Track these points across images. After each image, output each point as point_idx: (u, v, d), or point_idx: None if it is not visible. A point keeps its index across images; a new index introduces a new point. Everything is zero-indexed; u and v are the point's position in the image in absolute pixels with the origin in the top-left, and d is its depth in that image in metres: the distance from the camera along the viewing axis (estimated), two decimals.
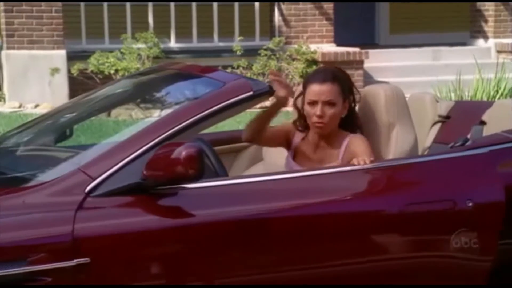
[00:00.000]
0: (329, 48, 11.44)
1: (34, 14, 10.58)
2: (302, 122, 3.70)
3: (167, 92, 4.05)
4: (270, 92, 3.40)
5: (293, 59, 11.12)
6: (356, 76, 10.73)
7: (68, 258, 2.92)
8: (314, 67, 11.01)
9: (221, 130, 4.93)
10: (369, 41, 13.34)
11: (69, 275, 2.92)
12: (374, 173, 3.42)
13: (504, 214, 3.35)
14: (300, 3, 11.59)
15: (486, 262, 3.37)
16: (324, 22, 11.69)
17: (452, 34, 13.13)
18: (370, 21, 13.81)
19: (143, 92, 4.30)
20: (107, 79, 9.53)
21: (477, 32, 12.75)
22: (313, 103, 3.57)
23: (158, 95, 4.20)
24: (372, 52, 11.37)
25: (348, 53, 11.14)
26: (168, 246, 3.07)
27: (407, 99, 3.84)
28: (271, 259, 3.18)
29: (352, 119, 3.66)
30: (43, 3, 10.58)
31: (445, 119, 4.42)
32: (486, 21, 12.65)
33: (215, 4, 11.43)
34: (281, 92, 3.43)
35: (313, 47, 11.24)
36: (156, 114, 3.67)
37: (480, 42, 12.71)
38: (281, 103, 3.49)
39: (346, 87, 3.62)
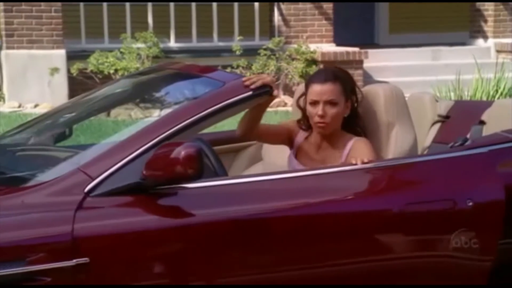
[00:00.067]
0: (329, 48, 11.45)
1: (34, 13, 10.58)
2: (305, 121, 3.70)
3: (167, 92, 4.05)
4: (269, 92, 3.40)
5: (293, 59, 11.12)
6: (355, 76, 10.72)
7: (68, 258, 2.91)
8: (314, 67, 11.02)
9: (221, 130, 4.93)
10: (369, 41, 13.35)
11: (69, 275, 2.92)
12: (374, 173, 3.42)
13: (504, 214, 3.35)
14: (300, 3, 11.59)
15: (486, 262, 3.37)
16: (324, 22, 11.69)
17: (452, 34, 13.14)
18: (370, 21, 13.81)
19: (142, 92, 4.30)
20: (106, 78, 9.53)
21: (477, 32, 12.75)
22: (314, 103, 3.57)
23: (157, 95, 4.19)
24: (371, 52, 11.37)
25: (348, 53, 11.14)
26: (167, 246, 3.07)
27: (406, 99, 3.84)
28: (271, 259, 3.18)
29: (355, 120, 3.65)
30: (42, 3, 10.58)
31: (444, 119, 4.42)
32: (485, 21, 12.65)
33: (214, 4, 11.43)
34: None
35: (312, 47, 11.24)
36: (156, 114, 3.67)
37: (480, 42, 12.71)
38: (266, 101, 3.46)
39: (348, 87, 3.61)
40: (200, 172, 2.99)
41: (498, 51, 12.23)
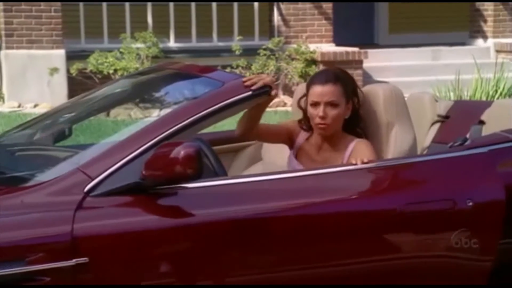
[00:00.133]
0: (328, 47, 11.45)
1: (33, 13, 10.58)
2: (306, 122, 3.69)
3: (166, 92, 4.05)
4: (268, 91, 3.40)
5: (292, 59, 11.12)
6: (355, 76, 10.69)
7: (67, 258, 2.91)
8: (313, 67, 11.02)
9: (220, 130, 4.92)
10: (368, 41, 13.35)
11: (68, 275, 2.92)
12: (374, 173, 3.42)
13: (504, 214, 3.35)
14: (299, 2, 11.59)
15: (486, 262, 3.37)
16: (323, 21, 11.69)
17: (451, 34, 13.14)
18: (369, 21, 13.81)
19: (142, 92, 4.30)
20: (106, 78, 9.53)
21: (476, 32, 12.75)
22: (315, 104, 3.56)
23: (157, 94, 4.19)
24: (371, 52, 11.37)
25: (347, 52, 11.14)
26: (167, 246, 3.07)
27: (406, 99, 3.84)
28: (270, 259, 3.18)
29: (356, 121, 3.65)
30: (42, 3, 10.58)
31: (444, 119, 4.42)
32: (485, 21, 12.65)
33: (214, 4, 11.43)
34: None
35: (312, 46, 11.24)
36: (155, 114, 3.66)
37: (479, 42, 12.71)
38: (265, 101, 3.46)
39: (349, 89, 3.60)
40: (199, 172, 2.99)
41: (497, 51, 12.24)
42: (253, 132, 3.65)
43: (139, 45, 10.60)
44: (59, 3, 10.66)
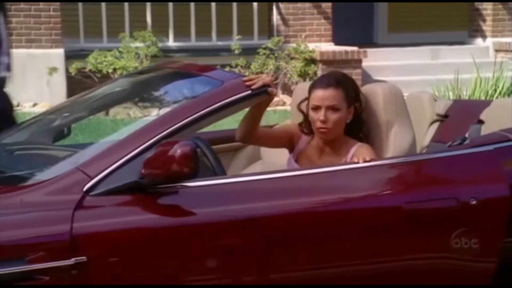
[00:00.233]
0: (328, 47, 11.44)
1: (32, 12, 10.57)
2: (307, 125, 3.69)
3: (165, 91, 4.05)
4: (268, 91, 3.39)
5: (292, 58, 11.12)
6: (354, 75, 10.71)
7: (66, 257, 2.92)
8: (312, 66, 11.02)
9: (220, 129, 4.93)
10: (368, 40, 13.34)
11: (67, 274, 2.92)
12: (376, 171, 3.40)
13: (509, 213, 3.34)
14: (298, 2, 11.58)
15: (491, 261, 3.35)
16: (323, 21, 11.69)
17: (451, 33, 13.13)
18: (369, 20, 13.80)
19: (141, 91, 4.30)
20: (105, 78, 9.52)
21: (475, 31, 12.75)
22: (316, 108, 3.56)
23: (156, 94, 4.19)
24: (370, 51, 11.37)
25: (346, 52, 11.14)
26: (166, 245, 3.07)
27: (405, 98, 3.84)
28: (270, 259, 3.17)
29: (358, 125, 3.64)
30: (41, 2, 10.58)
31: (443, 118, 4.42)
32: (484, 20, 12.65)
33: (213, 3, 11.43)
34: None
35: (311, 46, 11.23)
36: (154, 113, 3.67)
37: (479, 41, 12.71)
38: (266, 101, 3.46)
39: (350, 93, 3.59)
40: (196, 171, 2.99)
41: (496, 51, 12.23)
42: (254, 135, 3.63)
43: (138, 44, 10.60)
44: (58, 2, 10.65)
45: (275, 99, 9.96)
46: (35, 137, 4.00)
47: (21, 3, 10.51)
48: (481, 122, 4.14)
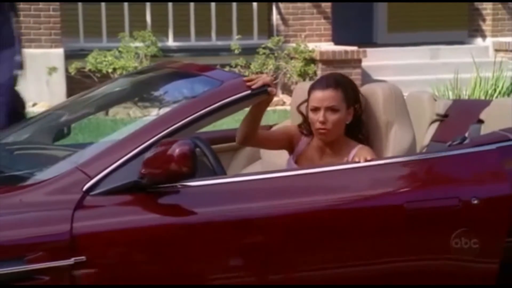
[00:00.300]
0: (327, 46, 11.44)
1: (32, 12, 10.56)
2: (306, 126, 3.69)
3: (165, 91, 4.05)
4: (267, 90, 3.39)
5: (291, 58, 11.12)
6: (354, 75, 10.72)
7: (66, 256, 2.91)
8: (312, 65, 11.02)
9: (219, 129, 4.93)
10: (367, 40, 13.34)
11: (67, 273, 2.92)
12: (378, 171, 3.39)
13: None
14: (298, 2, 11.58)
15: (494, 260, 3.33)
16: (322, 21, 11.69)
17: (450, 32, 13.14)
18: (368, 20, 13.81)
19: (141, 91, 4.30)
20: (105, 77, 9.52)
21: (475, 30, 12.76)
22: (315, 109, 3.55)
23: (156, 93, 4.19)
24: (370, 50, 11.37)
25: (346, 51, 11.14)
26: (166, 245, 3.07)
27: (405, 97, 3.84)
28: (271, 259, 3.17)
29: (358, 126, 3.63)
30: (40, 2, 10.57)
31: (443, 118, 4.42)
32: (484, 20, 12.65)
33: (213, 3, 11.43)
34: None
35: (311, 45, 11.23)
36: (154, 113, 3.67)
37: (478, 40, 12.71)
38: (266, 101, 3.46)
39: (350, 94, 3.59)
40: (194, 170, 2.99)
41: (496, 50, 12.23)
42: (254, 138, 3.62)
43: (138, 44, 10.60)
44: (57, 2, 10.65)
45: (275, 99, 9.96)
46: (34, 136, 4.00)
47: (21, 3, 10.49)
48: (481, 121, 4.14)
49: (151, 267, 3.05)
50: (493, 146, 3.47)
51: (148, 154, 3.04)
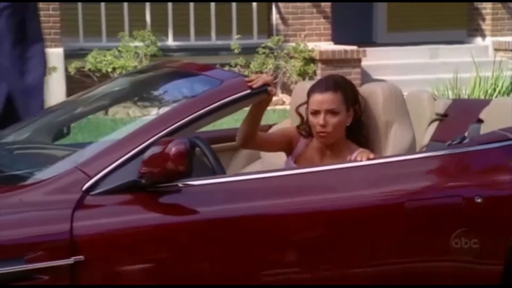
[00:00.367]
0: (327, 46, 11.44)
1: None
2: (305, 127, 3.68)
3: (165, 90, 4.05)
4: (267, 90, 3.39)
5: (291, 57, 11.12)
6: (353, 75, 10.73)
7: (66, 256, 2.91)
8: (312, 65, 11.02)
9: (219, 128, 4.93)
10: (367, 39, 13.35)
11: (67, 273, 2.92)
12: (380, 169, 3.38)
13: None
14: (298, 1, 11.58)
15: (497, 261, 3.33)
16: (322, 20, 11.69)
17: (450, 32, 13.14)
18: (368, 19, 13.81)
19: (140, 90, 4.30)
20: (104, 77, 9.52)
21: (475, 30, 12.76)
22: (315, 112, 3.55)
23: (155, 93, 4.19)
24: (369, 50, 11.37)
25: (346, 51, 11.14)
26: (166, 244, 3.07)
27: (404, 97, 3.84)
28: (270, 258, 3.17)
29: (359, 128, 3.63)
30: (40, 2, 10.54)
31: (442, 117, 4.42)
32: (483, 20, 12.65)
33: (212, 3, 11.43)
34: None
35: (310, 45, 11.23)
36: (154, 112, 3.67)
37: (478, 40, 12.72)
38: (266, 100, 3.46)
39: (349, 96, 3.59)
40: (190, 169, 2.99)
41: (496, 50, 12.23)
42: (254, 140, 3.61)
43: (138, 43, 10.60)
44: (57, 2, 10.64)
45: (275, 98, 9.96)
46: (34, 136, 4.00)
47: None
48: (480, 121, 4.14)
49: (151, 267, 3.05)
50: (499, 145, 3.46)
51: (147, 154, 3.04)
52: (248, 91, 3.35)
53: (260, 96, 3.41)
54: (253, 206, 3.18)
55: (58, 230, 2.95)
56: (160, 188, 3.08)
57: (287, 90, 11.02)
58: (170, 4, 11.30)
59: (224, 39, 11.35)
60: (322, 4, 11.66)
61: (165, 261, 3.07)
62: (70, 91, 10.19)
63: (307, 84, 3.76)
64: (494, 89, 9.52)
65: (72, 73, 10.38)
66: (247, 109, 3.55)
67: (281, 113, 9.36)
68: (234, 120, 5.16)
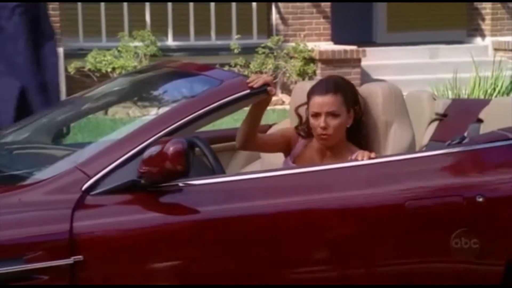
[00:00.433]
0: (327, 46, 11.45)
1: None
2: (304, 128, 3.68)
3: (164, 90, 4.05)
4: (266, 90, 3.39)
5: (291, 57, 11.13)
6: (353, 74, 10.73)
7: (65, 256, 2.91)
8: (312, 65, 11.03)
9: (219, 128, 4.93)
10: (367, 39, 13.35)
11: (66, 273, 2.92)
12: (379, 169, 3.37)
13: None
14: (297, 1, 11.58)
15: (499, 260, 3.32)
16: (322, 20, 11.69)
17: (450, 32, 13.14)
18: (368, 19, 13.81)
19: (140, 90, 4.30)
20: (104, 77, 9.52)
21: (474, 30, 12.76)
22: (316, 115, 3.55)
23: (155, 93, 4.19)
24: (369, 50, 11.37)
25: (346, 51, 11.14)
26: (166, 244, 3.07)
27: (404, 97, 3.84)
28: (271, 258, 3.17)
29: (359, 129, 3.63)
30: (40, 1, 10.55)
31: (442, 117, 4.42)
32: (483, 19, 12.65)
33: (212, 3, 11.43)
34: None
35: (310, 45, 11.23)
36: (153, 112, 3.66)
37: (477, 40, 12.72)
38: (265, 100, 3.46)
39: (349, 97, 3.58)
40: (188, 169, 2.99)
41: (495, 50, 12.24)
42: (253, 141, 3.61)
43: (137, 43, 10.60)
44: (57, 2, 10.64)
45: (274, 98, 9.97)
46: (34, 136, 4.00)
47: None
48: (480, 121, 4.14)
49: (151, 266, 3.05)
50: (497, 145, 3.46)
51: (146, 153, 3.04)
52: (248, 91, 3.35)
53: (260, 96, 3.40)
54: (253, 205, 3.18)
55: (57, 230, 2.95)
56: (159, 187, 3.08)
57: (286, 90, 11.03)
58: (169, 4, 11.30)
59: (223, 39, 11.35)
60: (322, 4, 11.66)
61: (165, 260, 3.07)
62: (69, 91, 10.18)
63: (307, 84, 3.76)
64: (494, 89, 9.52)
65: (71, 73, 10.38)
66: (247, 109, 3.55)
67: (281, 113, 9.36)
68: (234, 120, 5.16)
